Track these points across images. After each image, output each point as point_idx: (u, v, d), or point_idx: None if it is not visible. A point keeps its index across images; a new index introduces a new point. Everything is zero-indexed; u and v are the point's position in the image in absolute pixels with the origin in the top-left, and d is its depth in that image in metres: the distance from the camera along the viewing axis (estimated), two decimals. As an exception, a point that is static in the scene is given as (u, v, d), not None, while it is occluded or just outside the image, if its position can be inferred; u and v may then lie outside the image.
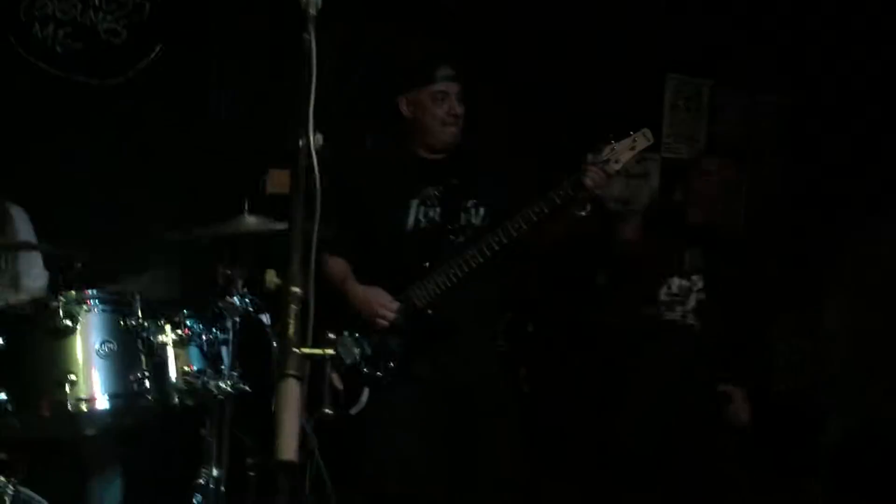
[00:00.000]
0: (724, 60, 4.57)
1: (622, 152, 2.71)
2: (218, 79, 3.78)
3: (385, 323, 2.72)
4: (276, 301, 1.14)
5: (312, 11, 1.40)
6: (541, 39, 4.09)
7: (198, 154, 3.63)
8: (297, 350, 1.06)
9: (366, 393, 2.67)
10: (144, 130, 3.59)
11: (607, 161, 2.69)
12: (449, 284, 2.72)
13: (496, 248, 2.71)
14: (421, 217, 2.83)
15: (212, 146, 3.68)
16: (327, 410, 1.16)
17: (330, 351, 1.10)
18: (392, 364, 2.69)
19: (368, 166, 2.96)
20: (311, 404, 1.12)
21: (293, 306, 1.08)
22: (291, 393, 1.04)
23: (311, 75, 1.29)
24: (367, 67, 3.90)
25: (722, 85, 4.74)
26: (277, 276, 1.12)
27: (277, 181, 3.92)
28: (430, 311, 2.74)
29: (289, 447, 1.01)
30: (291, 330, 1.07)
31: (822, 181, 4.52)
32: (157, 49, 3.69)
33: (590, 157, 2.70)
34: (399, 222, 2.82)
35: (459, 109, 2.83)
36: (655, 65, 4.49)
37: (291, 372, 1.06)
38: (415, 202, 2.83)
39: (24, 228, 2.88)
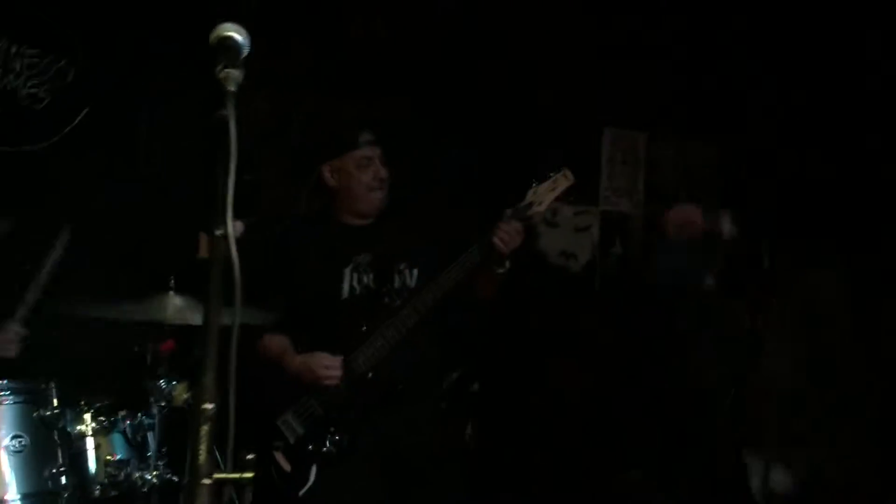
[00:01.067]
0: (658, 111, 4.62)
1: (544, 194, 2.72)
2: (147, 138, 3.67)
3: (334, 381, 2.64)
4: (185, 419, 1.03)
5: (231, 88, 1.32)
6: (475, 91, 4.09)
7: (128, 218, 3.50)
8: (208, 481, 0.96)
9: (313, 470, 2.56)
10: (69, 195, 3.45)
11: (530, 206, 2.70)
12: (388, 347, 2.67)
13: (425, 309, 2.69)
14: (355, 284, 2.81)
15: (142, 209, 3.56)
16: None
17: (248, 475, 1.00)
18: (338, 437, 2.59)
19: (298, 239, 2.91)
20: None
21: (204, 428, 0.97)
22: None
23: (228, 156, 1.21)
24: (297, 134, 3.85)
25: (657, 136, 4.80)
26: (187, 390, 1.02)
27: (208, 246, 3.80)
28: (370, 375, 2.65)
29: None
30: (202, 457, 0.96)
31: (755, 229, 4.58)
32: (83, 112, 3.57)
33: (508, 212, 2.69)
34: (334, 292, 2.78)
35: (384, 173, 2.82)
36: (592, 119, 4.52)
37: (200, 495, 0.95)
38: (347, 270, 2.81)
39: None
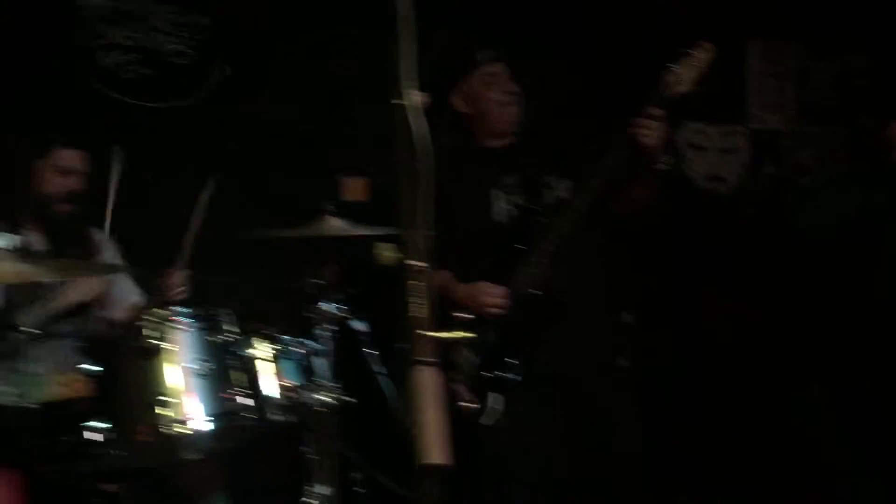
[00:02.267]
0: (809, 23, 4.29)
1: (684, 72, 2.54)
2: (284, 87, 3.71)
3: (498, 310, 2.57)
4: (389, 278, 0.97)
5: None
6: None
7: (269, 164, 3.56)
8: (428, 333, 0.89)
9: (493, 398, 2.51)
10: (213, 145, 3.53)
11: (671, 86, 2.53)
12: (548, 262, 2.58)
13: (582, 211, 2.58)
14: (505, 205, 2.74)
15: (282, 155, 3.61)
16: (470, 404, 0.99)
17: (466, 333, 0.93)
18: (513, 360, 2.53)
19: (442, 170, 2.84)
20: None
21: (418, 282, 0.91)
22: (428, 384, 0.86)
23: (405, 28, 1.14)
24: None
25: (808, 48, 4.46)
26: (394, 249, 0.96)
27: (352, 189, 3.83)
28: (533, 293, 2.58)
29: (434, 448, 0.83)
30: (420, 309, 0.89)
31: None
32: (223, 66, 3.63)
33: (645, 102, 2.53)
34: (486, 216, 2.72)
35: (513, 87, 2.75)
36: (734, 29, 4.23)
37: (426, 358, 0.88)
38: (495, 193, 2.73)
39: (110, 253, 2.83)
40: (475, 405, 2.50)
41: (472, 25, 3.65)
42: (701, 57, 2.55)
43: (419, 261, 0.93)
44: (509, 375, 2.52)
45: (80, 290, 2.55)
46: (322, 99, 3.75)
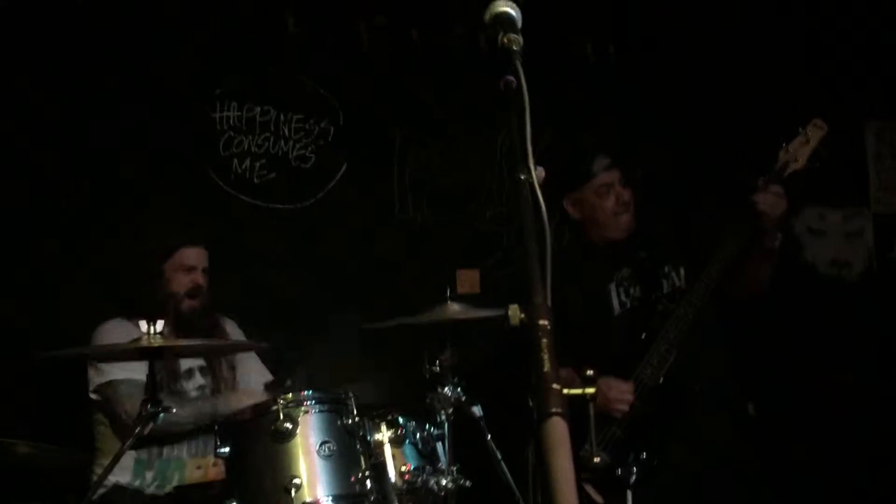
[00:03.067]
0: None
1: (798, 150, 2.55)
2: (402, 184, 3.89)
3: (625, 407, 2.56)
4: (519, 338, 1.03)
5: (516, 48, 1.35)
6: (733, 88, 3.93)
7: (388, 257, 3.71)
8: (556, 386, 0.94)
9: (629, 496, 2.47)
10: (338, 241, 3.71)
11: (785, 165, 2.53)
12: (673, 350, 2.56)
13: (705, 296, 2.57)
14: (624, 299, 2.77)
15: (401, 249, 3.75)
16: (597, 459, 1.02)
17: (591, 390, 0.97)
18: (645, 456, 2.49)
19: (558, 268, 2.89)
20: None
21: (544, 340, 0.96)
22: (558, 434, 0.90)
23: (523, 109, 1.22)
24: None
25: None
26: (521, 310, 1.02)
27: (466, 282, 3.93)
28: (661, 382, 2.55)
29: (567, 496, 0.86)
30: (547, 365, 0.95)
31: None
32: (343, 168, 3.85)
33: (760, 181, 2.54)
34: (605, 311, 2.74)
35: (627, 195, 2.76)
36: (852, 112, 4.18)
37: (555, 410, 0.93)
38: (612, 286, 2.76)
39: (236, 337, 2.98)
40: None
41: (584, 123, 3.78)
42: (814, 134, 2.54)
43: (545, 320, 0.99)
44: (638, 471, 2.47)
45: (240, 399, 2.68)
46: (443, 197, 3.91)
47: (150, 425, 2.18)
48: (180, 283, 2.84)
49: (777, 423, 3.85)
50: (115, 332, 2.71)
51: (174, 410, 2.28)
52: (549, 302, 1.03)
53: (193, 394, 2.76)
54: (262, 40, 3.75)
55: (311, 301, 3.59)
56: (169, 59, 3.59)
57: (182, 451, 2.70)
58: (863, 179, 4.30)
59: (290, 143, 3.84)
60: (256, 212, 3.73)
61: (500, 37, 1.41)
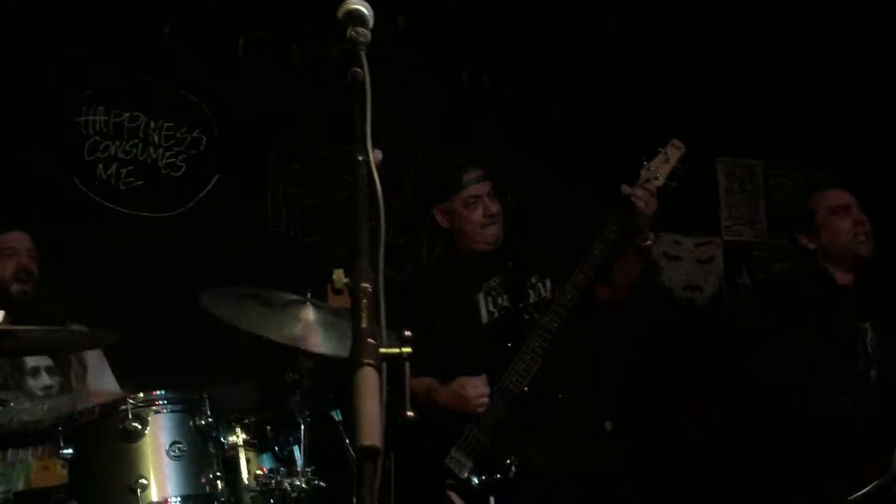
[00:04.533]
0: (774, 139, 4.54)
1: (658, 168, 2.67)
2: (275, 198, 3.88)
3: (484, 400, 2.60)
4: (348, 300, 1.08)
5: (363, 40, 1.41)
6: (584, 127, 4.14)
7: (259, 270, 3.68)
8: (371, 340, 0.99)
9: (492, 501, 2.51)
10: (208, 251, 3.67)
11: (648, 181, 2.64)
12: (538, 359, 2.63)
13: (570, 304, 2.64)
14: (492, 308, 2.82)
15: (272, 262, 3.73)
16: (409, 413, 1.07)
17: (407, 349, 1.02)
18: (508, 461, 2.54)
19: (425, 281, 2.96)
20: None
21: (364, 300, 1.02)
22: (369, 380, 0.96)
23: (364, 95, 1.29)
24: (410, 181, 3.99)
25: (775, 164, 4.71)
26: (345, 275, 1.07)
27: (338, 298, 3.93)
28: (526, 390, 2.62)
29: (371, 432, 0.92)
30: (364, 322, 1.00)
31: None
32: (215, 178, 3.81)
33: (625, 187, 2.64)
34: (473, 320, 2.79)
35: (494, 207, 2.83)
36: (704, 149, 4.47)
37: (367, 360, 0.98)
38: (480, 296, 2.83)
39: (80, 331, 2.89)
40: None
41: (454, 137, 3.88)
42: (673, 153, 2.69)
43: (367, 283, 1.05)
44: (502, 477, 2.52)
45: (100, 397, 2.61)
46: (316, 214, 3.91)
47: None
48: (4, 267, 2.84)
49: (633, 440, 4.02)
50: None
51: (26, 405, 2.20)
52: (379, 273, 1.09)
53: (40, 393, 2.66)
54: (136, 46, 3.69)
55: (180, 308, 3.52)
56: (38, 57, 3.49)
57: (27, 452, 2.59)
58: (714, 210, 4.58)
59: (160, 150, 3.78)
60: (122, 219, 3.64)
61: (348, 30, 1.47)
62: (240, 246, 3.75)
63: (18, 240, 2.89)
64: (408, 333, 1.02)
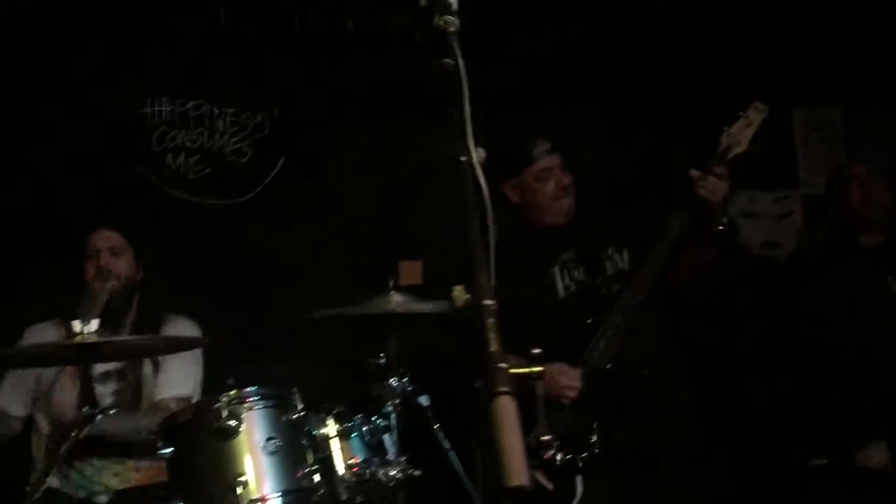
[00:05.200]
0: (854, 87, 4.33)
1: (740, 133, 2.58)
2: (340, 177, 3.85)
3: (573, 394, 2.57)
4: (465, 319, 1.03)
5: (452, 29, 1.34)
6: (663, 77, 3.99)
7: (328, 251, 3.66)
8: (504, 365, 0.94)
9: (579, 482, 2.47)
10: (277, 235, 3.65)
11: (728, 149, 2.55)
12: (620, 334, 2.57)
13: (647, 285, 2.59)
14: (568, 282, 2.76)
15: (341, 241, 3.71)
16: (546, 437, 1.03)
17: (539, 369, 0.97)
18: (593, 440, 2.50)
19: (498, 256, 2.89)
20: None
21: (490, 319, 0.96)
22: (508, 412, 0.91)
23: (462, 92, 1.22)
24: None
25: (854, 112, 4.49)
26: (466, 291, 1.01)
27: (409, 273, 3.91)
28: (609, 367, 2.57)
29: (518, 470, 0.87)
30: (493, 344, 0.95)
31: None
32: (281, 161, 3.80)
33: (694, 172, 2.55)
34: (550, 295, 2.74)
35: (567, 179, 2.76)
36: (781, 99, 4.28)
37: (503, 389, 0.93)
38: (556, 270, 2.77)
39: (185, 330, 2.91)
40: (554, 492, 2.47)
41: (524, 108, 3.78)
42: (755, 117, 2.58)
43: (490, 300, 0.99)
44: (587, 455, 2.48)
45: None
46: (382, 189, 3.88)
47: (87, 429, 2.11)
48: (89, 270, 2.78)
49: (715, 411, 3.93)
50: (39, 335, 2.64)
51: (111, 413, 2.22)
52: (493, 283, 1.03)
53: (108, 400, 2.66)
54: (194, 34, 3.67)
55: (252, 295, 3.54)
56: (100, 53, 3.50)
57: (96, 459, 2.62)
58: (791, 163, 4.41)
59: (226, 137, 3.77)
60: (192, 208, 3.65)
61: (435, 19, 1.40)
62: (308, 227, 3.74)
63: (101, 239, 2.82)
64: (536, 351, 0.97)
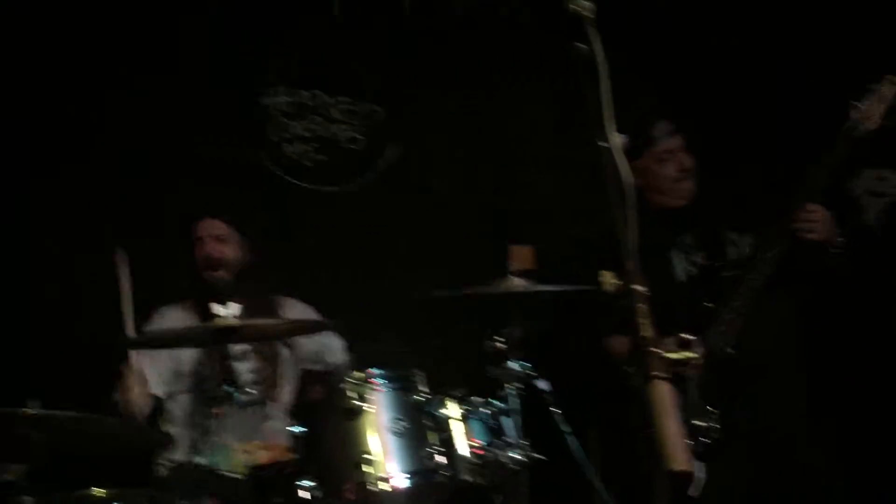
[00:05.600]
0: None
1: (872, 108, 2.47)
2: (448, 160, 3.88)
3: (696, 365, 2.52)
4: (614, 304, 1.03)
5: (588, 14, 1.34)
6: (786, 52, 3.85)
7: (437, 235, 3.71)
8: (655, 350, 0.94)
9: (700, 468, 2.43)
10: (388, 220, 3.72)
11: (857, 124, 2.44)
12: (741, 318, 2.51)
13: (769, 268, 2.52)
14: (688, 266, 2.72)
15: (449, 226, 3.75)
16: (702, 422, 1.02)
17: (692, 354, 0.97)
18: (715, 426, 2.45)
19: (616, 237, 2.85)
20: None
21: (641, 305, 0.97)
22: (664, 396, 0.92)
23: (597, 76, 1.22)
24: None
25: None
26: (616, 276, 1.01)
27: (520, 258, 3.91)
28: (730, 352, 2.52)
29: (679, 455, 0.88)
30: (647, 330, 0.95)
31: None
32: (392, 147, 3.86)
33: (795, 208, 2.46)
34: (668, 278, 2.70)
35: (689, 161, 2.72)
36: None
37: (658, 373, 0.94)
38: (675, 253, 2.73)
39: (299, 315, 2.99)
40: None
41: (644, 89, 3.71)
42: (888, 90, 2.47)
43: (640, 285, 0.99)
44: (709, 440, 2.44)
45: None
46: (490, 170, 3.90)
47: (225, 405, 2.22)
48: (198, 256, 2.86)
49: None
50: (171, 318, 2.77)
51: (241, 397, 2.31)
52: (638, 267, 1.03)
53: (247, 377, 2.74)
54: (309, 24, 3.76)
55: (369, 279, 3.62)
56: (215, 46, 3.63)
57: (228, 436, 2.71)
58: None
59: (340, 125, 3.86)
60: (311, 194, 3.76)
61: (568, 4, 1.40)
62: (417, 211, 3.79)
63: (206, 227, 2.90)
64: (687, 336, 0.96)
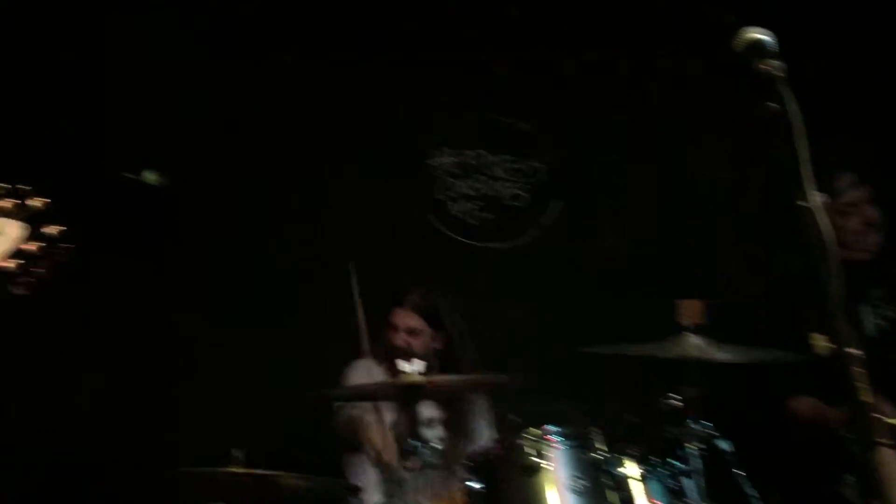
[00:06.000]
0: None
1: None
2: (606, 214, 3.88)
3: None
4: (825, 367, 1.01)
5: (779, 74, 1.33)
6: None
7: (600, 288, 3.69)
8: (879, 415, 0.92)
9: None
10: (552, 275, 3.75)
11: None
12: None
13: None
14: (878, 320, 2.57)
15: (612, 279, 3.73)
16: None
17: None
18: None
19: (798, 290, 2.74)
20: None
21: (857, 369, 0.95)
22: (890, 463, 0.89)
23: (792, 135, 1.21)
24: (758, 183, 3.77)
25: None
26: (828, 340, 1.00)
27: (689, 312, 3.82)
28: None
29: None
30: (865, 394, 0.93)
31: None
32: (553, 203, 3.91)
33: None
34: (857, 334, 2.55)
35: (874, 214, 2.61)
36: None
37: (882, 440, 0.91)
38: (864, 308, 2.59)
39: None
40: None
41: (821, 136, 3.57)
42: None
43: (854, 348, 0.97)
44: None
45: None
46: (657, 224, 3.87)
47: (412, 459, 2.29)
48: (389, 340, 2.88)
49: None
50: (364, 372, 2.86)
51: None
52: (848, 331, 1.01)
53: (433, 444, 2.75)
54: (470, 83, 3.89)
55: (538, 335, 3.65)
56: (393, 111, 3.82)
57: (419, 495, 2.67)
58: None
59: (503, 183, 3.95)
60: (475, 252, 3.85)
61: (757, 64, 1.40)
62: (581, 265, 3.80)
63: (401, 316, 2.90)
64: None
